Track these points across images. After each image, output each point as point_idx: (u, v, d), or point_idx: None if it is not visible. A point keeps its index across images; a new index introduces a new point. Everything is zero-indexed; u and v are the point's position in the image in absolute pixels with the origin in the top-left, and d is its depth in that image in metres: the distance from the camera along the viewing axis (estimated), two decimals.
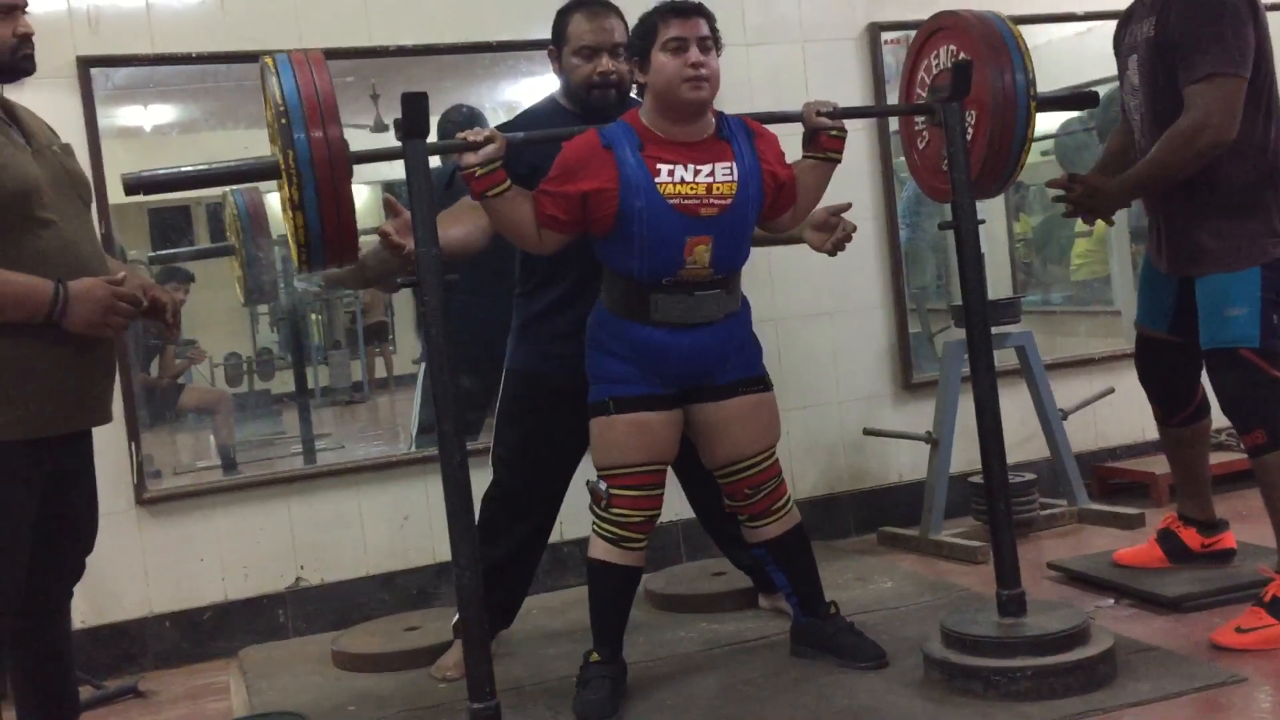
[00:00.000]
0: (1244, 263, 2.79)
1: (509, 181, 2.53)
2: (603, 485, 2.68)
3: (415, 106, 2.29)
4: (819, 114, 2.73)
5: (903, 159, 4.79)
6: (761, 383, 2.83)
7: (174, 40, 3.55)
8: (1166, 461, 3.34)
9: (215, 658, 3.56)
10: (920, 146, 3.05)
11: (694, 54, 2.57)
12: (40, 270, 2.32)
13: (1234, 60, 2.71)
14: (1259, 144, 2.82)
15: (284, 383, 4.88)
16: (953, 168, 2.73)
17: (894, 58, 4.33)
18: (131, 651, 3.53)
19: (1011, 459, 2.93)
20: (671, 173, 2.60)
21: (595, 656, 2.75)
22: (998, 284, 4.62)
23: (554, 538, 3.33)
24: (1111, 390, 4.28)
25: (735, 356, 2.76)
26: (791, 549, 2.86)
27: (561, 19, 2.96)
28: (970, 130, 2.80)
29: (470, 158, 2.45)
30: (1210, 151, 2.75)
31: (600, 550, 2.71)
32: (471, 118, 4.10)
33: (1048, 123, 5.37)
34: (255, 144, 4.15)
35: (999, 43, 2.76)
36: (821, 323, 4.15)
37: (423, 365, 4.14)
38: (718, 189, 2.63)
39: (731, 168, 2.65)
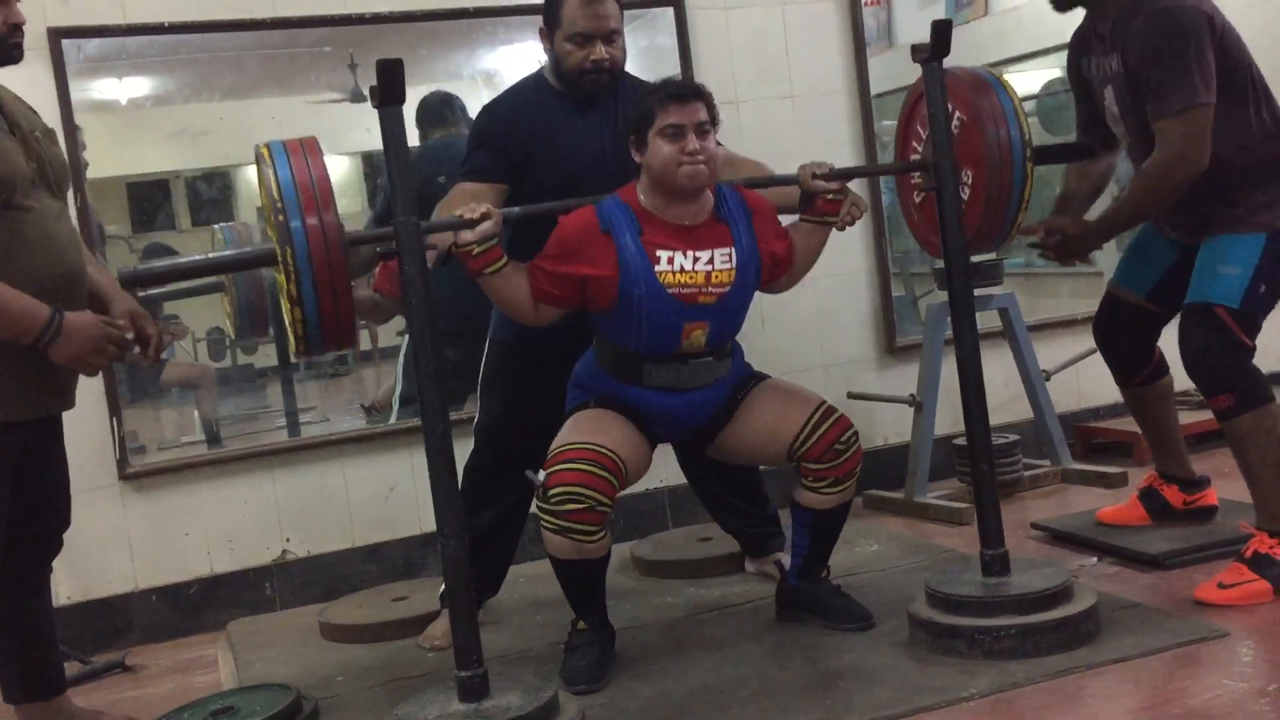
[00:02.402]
0: (1251, 228, 2.79)
1: (505, 259, 2.52)
2: (540, 475, 2.58)
3: (391, 73, 2.27)
4: (815, 177, 2.72)
5: (887, 122, 4.80)
6: (757, 376, 2.83)
7: (146, 10, 3.50)
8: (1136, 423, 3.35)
9: (202, 631, 3.56)
10: (917, 200, 2.98)
11: (691, 142, 2.56)
12: (16, 256, 2.31)
13: (1200, 90, 2.70)
14: (1261, 133, 2.82)
15: (267, 357, 4.85)
16: (933, 129, 2.72)
17: (874, 20, 4.32)
18: (118, 626, 3.53)
19: (995, 420, 2.94)
20: (671, 260, 2.60)
21: (582, 624, 2.75)
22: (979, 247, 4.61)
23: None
24: (1094, 350, 4.25)
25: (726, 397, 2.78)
26: (835, 521, 2.86)
27: (555, 0, 2.87)
28: (967, 190, 2.76)
29: (466, 235, 2.43)
30: (1187, 182, 2.76)
31: (553, 546, 2.62)
32: (446, 102, 4.05)
33: (1029, 83, 5.36)
34: (230, 114, 4.13)
35: (991, 99, 2.72)
36: (805, 287, 4.09)
37: (406, 338, 4.13)
38: (716, 277, 2.63)
39: (730, 254, 2.65)
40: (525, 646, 3.00)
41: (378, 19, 3.69)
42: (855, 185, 4.14)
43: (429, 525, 3.55)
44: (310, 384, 5.24)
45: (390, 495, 3.77)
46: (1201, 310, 2.79)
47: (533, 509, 3.02)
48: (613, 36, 2.85)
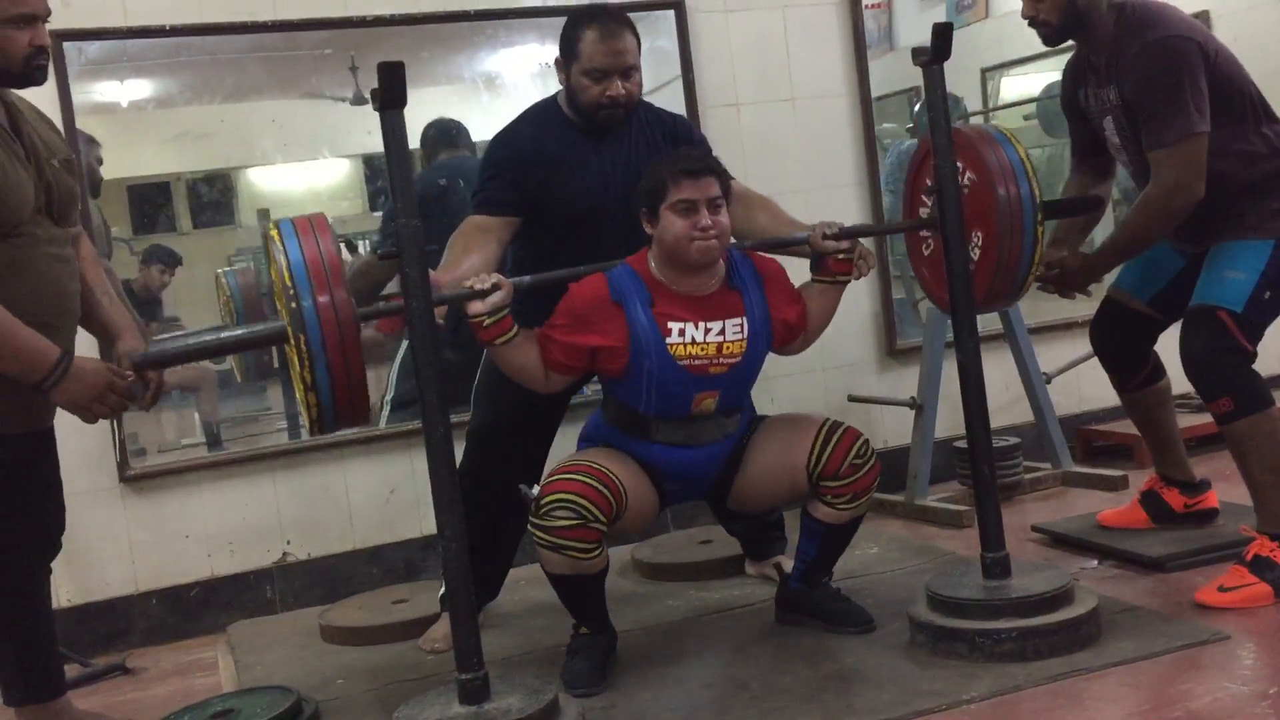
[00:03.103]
0: (1260, 234, 2.80)
1: (516, 329, 2.52)
2: (534, 489, 2.57)
3: (392, 76, 2.27)
4: (825, 237, 2.71)
5: (888, 125, 4.81)
6: (755, 421, 2.83)
7: (148, 12, 3.50)
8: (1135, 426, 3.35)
9: (203, 634, 3.56)
10: (925, 253, 2.96)
11: (703, 218, 2.55)
12: (8, 284, 2.29)
13: (1195, 121, 2.71)
14: (1265, 148, 2.83)
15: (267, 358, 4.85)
16: (935, 132, 2.71)
17: (875, 23, 4.32)
18: (118, 629, 3.53)
19: (995, 423, 2.94)
20: (682, 332, 2.60)
21: (583, 629, 2.74)
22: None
23: None
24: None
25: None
26: (844, 536, 2.84)
27: (572, 32, 2.84)
28: (977, 251, 2.75)
29: (477, 306, 2.43)
30: (1184, 211, 2.77)
31: (549, 563, 2.60)
32: (447, 131, 4.04)
33: (1029, 86, 5.37)
34: (231, 117, 4.14)
35: (1000, 156, 2.70)
36: None
37: (404, 341, 4.12)
38: (728, 348, 2.63)
39: (742, 324, 2.64)
40: (526, 649, 3.00)
41: (379, 21, 3.69)
42: (858, 192, 4.17)
43: (429, 528, 3.55)
44: None
45: (391, 498, 3.77)
46: (1204, 313, 2.79)
47: None
48: (630, 72, 2.82)
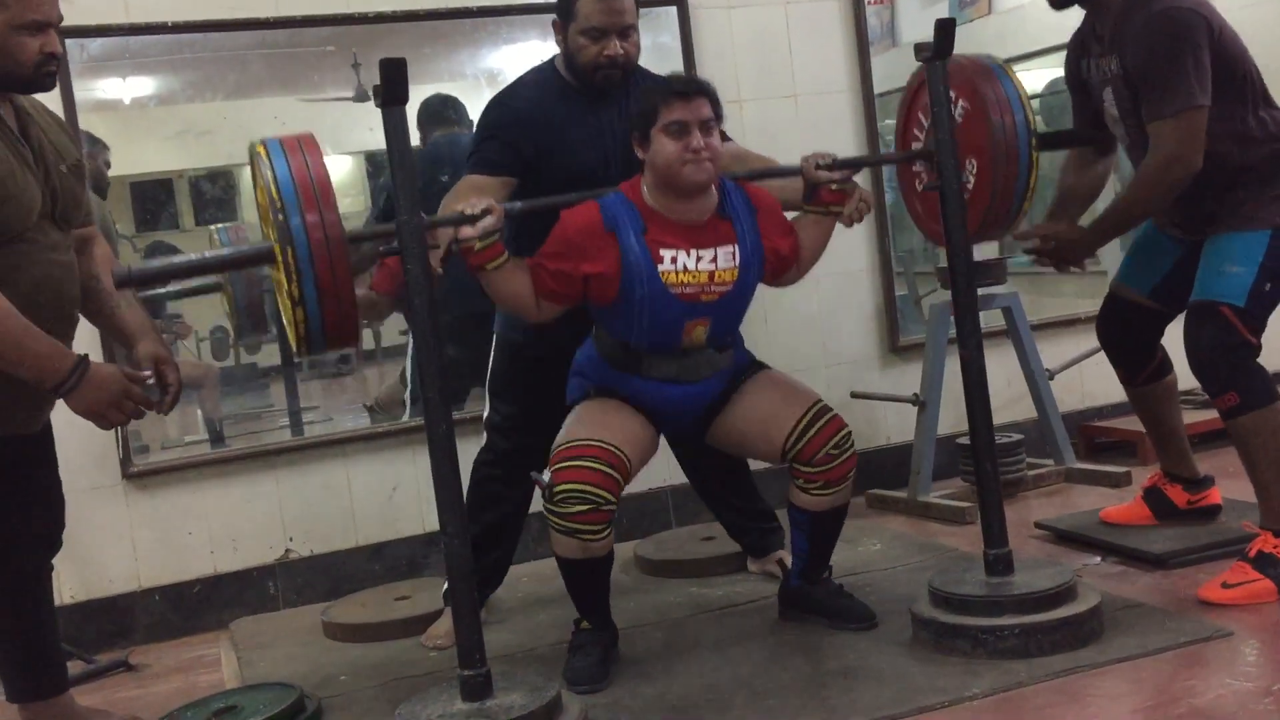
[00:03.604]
0: (1257, 225, 2.78)
1: (507, 255, 2.50)
2: (546, 475, 2.57)
3: (394, 73, 2.27)
4: (818, 168, 2.70)
5: (889, 122, 4.80)
6: (756, 364, 2.82)
7: (149, 9, 3.50)
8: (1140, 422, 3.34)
9: (206, 630, 3.56)
10: (919, 188, 2.95)
11: (695, 139, 2.53)
12: (7, 288, 2.28)
13: (1196, 93, 2.69)
14: (1261, 132, 2.81)
15: (270, 356, 4.85)
16: (937, 129, 2.71)
17: (878, 19, 4.31)
18: (121, 625, 3.53)
19: (998, 420, 2.94)
20: (674, 259, 2.59)
21: (585, 624, 2.75)
22: (984, 245, 4.61)
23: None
24: (1098, 350, 4.25)
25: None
26: (831, 524, 2.85)
27: None
28: (971, 180, 2.75)
29: (467, 230, 2.42)
30: (1182, 184, 2.76)
31: (560, 546, 2.61)
32: (448, 103, 4.04)
33: (1032, 82, 5.35)
34: (233, 114, 4.14)
35: (995, 86, 2.70)
36: (808, 286, 4.12)
37: (410, 337, 4.13)
38: (720, 276, 2.62)
39: (734, 252, 2.64)
40: (528, 645, 3.00)
41: (381, 18, 3.69)
42: (860, 179, 4.17)
43: (432, 524, 3.55)
44: (313, 383, 5.25)
45: (393, 494, 3.77)
46: (1207, 309, 2.79)
47: (534, 508, 3.02)
48: (627, 31, 2.81)
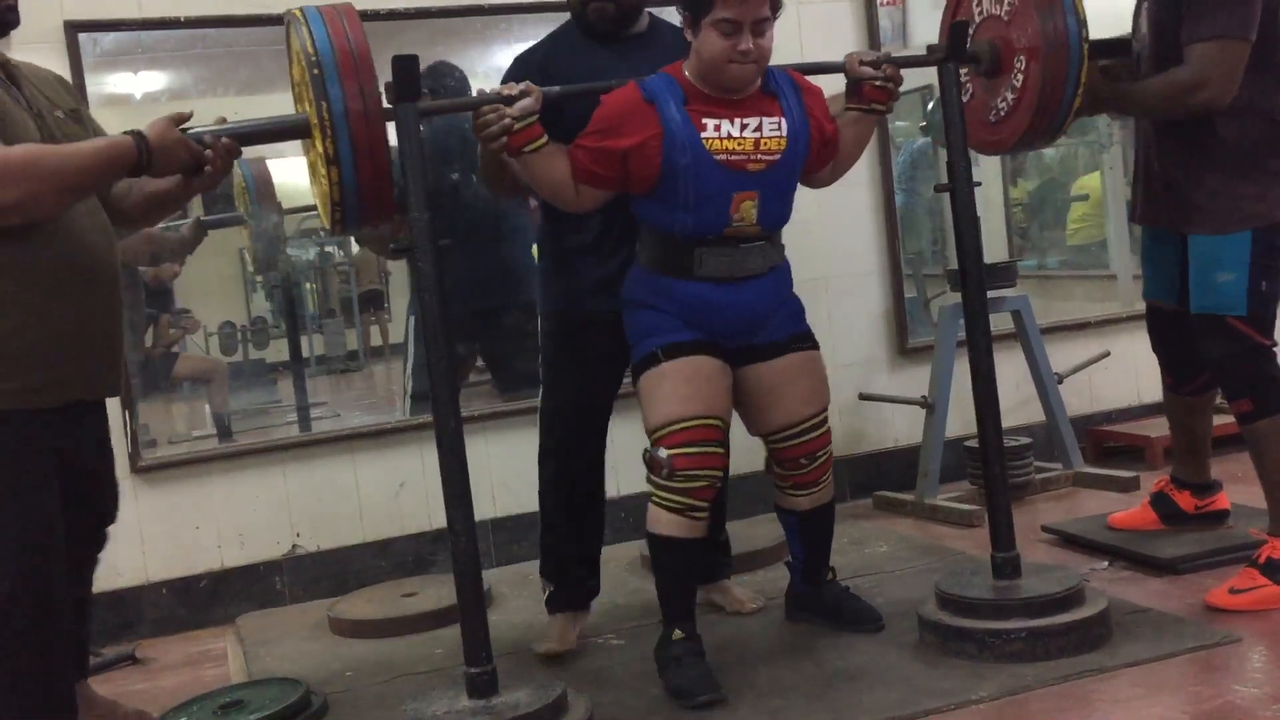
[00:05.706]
0: (1235, 226, 2.76)
1: (545, 137, 2.47)
2: (662, 452, 2.51)
3: (406, 70, 2.28)
4: (863, 63, 2.66)
5: (900, 123, 4.79)
6: (810, 339, 2.77)
7: (162, 4, 3.50)
8: (1168, 425, 3.30)
9: (212, 625, 3.57)
10: (965, 100, 2.87)
11: (745, 41, 2.46)
12: (30, 245, 2.25)
13: (1242, 24, 2.64)
14: (1264, 107, 2.77)
15: (279, 351, 4.87)
16: (949, 130, 2.71)
17: (889, 20, 4.30)
18: (128, 619, 3.54)
19: (1007, 423, 2.93)
20: (718, 127, 2.52)
21: (679, 634, 2.60)
22: (994, 248, 4.61)
23: None
24: (1107, 354, 4.28)
25: (782, 311, 2.71)
26: (821, 523, 2.83)
27: None
28: (1020, 78, 2.70)
29: (506, 111, 2.40)
30: (1202, 110, 2.71)
31: (664, 524, 2.55)
32: (434, 87, 4.02)
33: None
34: (245, 109, 4.13)
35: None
36: (817, 288, 4.14)
37: (408, 326, 4.11)
38: (765, 144, 2.55)
39: (779, 123, 2.57)
40: (535, 643, 3.00)
41: (393, 15, 3.69)
42: (867, 165, 4.15)
43: (439, 521, 3.56)
44: (321, 379, 5.27)
45: (401, 491, 3.78)
46: (1213, 322, 2.78)
47: (531, 508, 3.01)
48: None
